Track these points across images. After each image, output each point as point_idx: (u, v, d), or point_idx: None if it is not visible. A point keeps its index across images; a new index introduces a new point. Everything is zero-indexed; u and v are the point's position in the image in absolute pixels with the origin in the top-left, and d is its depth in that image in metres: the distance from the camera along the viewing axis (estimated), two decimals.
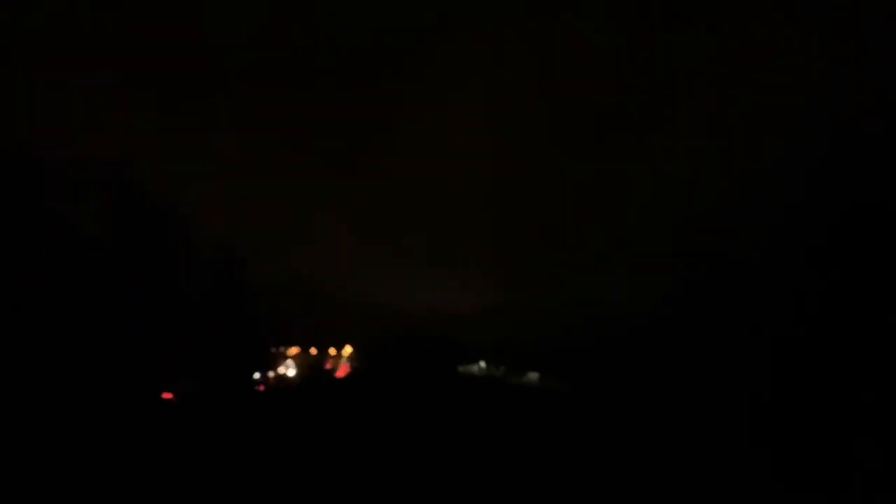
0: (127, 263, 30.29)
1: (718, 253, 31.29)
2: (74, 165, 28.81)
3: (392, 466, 12.65)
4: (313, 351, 68.25)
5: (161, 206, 33.57)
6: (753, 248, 28.95)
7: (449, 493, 10.30)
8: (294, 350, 64.72)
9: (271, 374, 49.02)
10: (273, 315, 47.08)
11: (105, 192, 30.91)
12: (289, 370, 55.91)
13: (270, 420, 22.12)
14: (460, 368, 56.29)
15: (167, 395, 30.92)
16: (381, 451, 14.43)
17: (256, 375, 43.82)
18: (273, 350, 53.16)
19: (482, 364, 58.42)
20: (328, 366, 64.89)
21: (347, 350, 68.82)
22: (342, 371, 60.92)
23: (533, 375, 48.64)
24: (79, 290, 26.96)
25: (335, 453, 14.49)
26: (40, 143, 28.30)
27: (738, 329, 26.75)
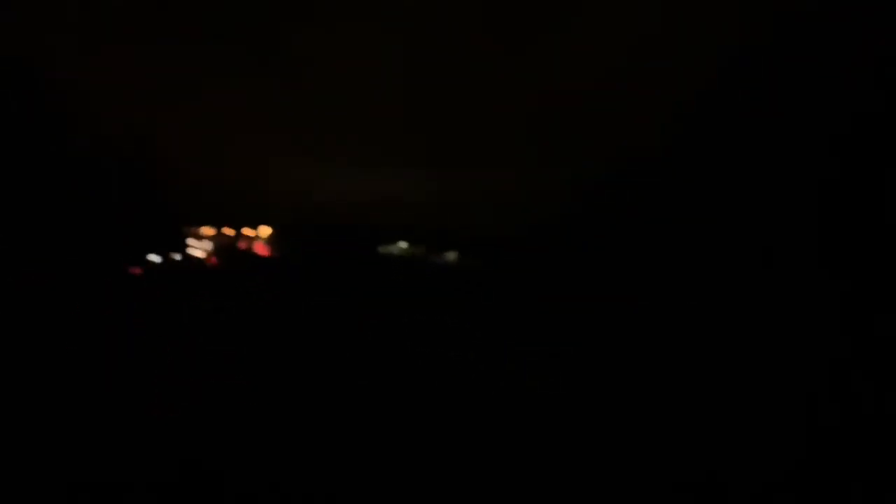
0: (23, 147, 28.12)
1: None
2: None
3: (309, 338, 12.86)
4: (229, 231, 66.70)
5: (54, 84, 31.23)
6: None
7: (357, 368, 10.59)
8: (208, 230, 63.00)
9: (188, 251, 47.95)
10: (185, 195, 45.35)
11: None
12: (203, 250, 54.67)
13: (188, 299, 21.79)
14: (380, 249, 56.85)
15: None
16: (303, 326, 14.59)
17: (176, 255, 42.93)
18: (186, 230, 51.66)
19: (402, 244, 59.13)
20: (243, 246, 63.81)
21: (265, 231, 67.66)
22: (260, 251, 60.13)
23: (451, 255, 49.85)
24: None
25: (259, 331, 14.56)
26: None
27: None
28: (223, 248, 60.92)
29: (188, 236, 51.49)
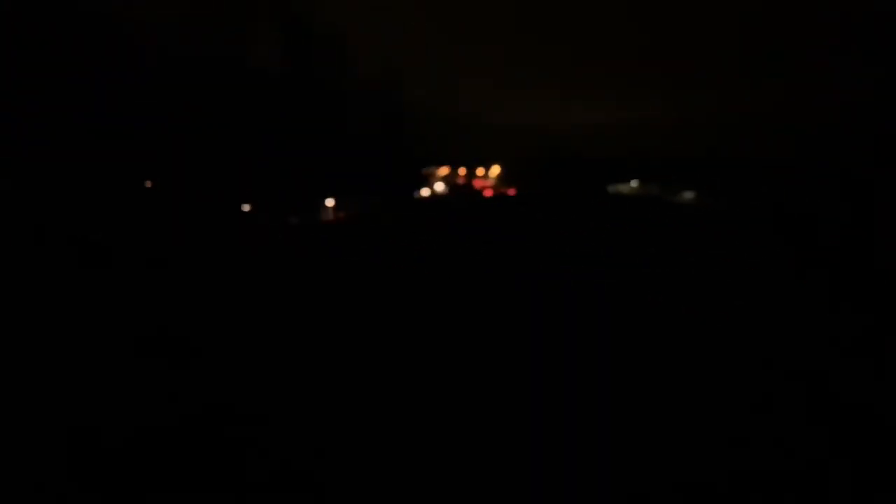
0: (294, 94, 31.54)
1: None
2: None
3: (538, 286, 12.92)
4: (462, 171, 69.56)
5: (326, 34, 34.15)
6: None
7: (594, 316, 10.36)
8: (444, 170, 66.35)
9: (425, 192, 51.02)
10: (423, 136, 47.96)
11: (273, 22, 31.66)
12: (439, 189, 57.74)
13: (427, 235, 23.20)
14: (610, 188, 54.81)
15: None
16: (527, 275, 14.72)
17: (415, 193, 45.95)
18: (424, 170, 54.92)
19: (634, 183, 56.31)
20: (476, 184, 66.13)
21: (495, 170, 69.33)
22: (490, 191, 61.93)
23: (689, 194, 46.33)
24: (250, 122, 28.74)
25: (484, 271, 15.02)
26: None
27: None
28: (458, 185, 63.72)
29: (427, 175, 54.84)
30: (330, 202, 34.10)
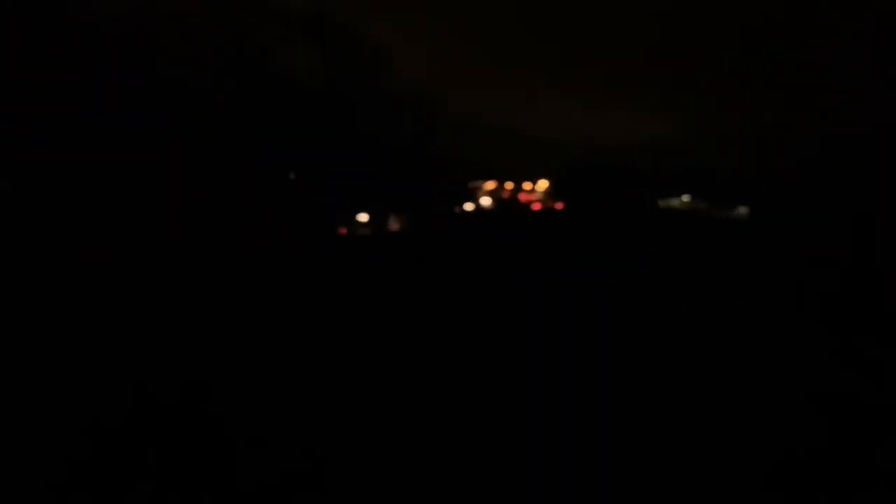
0: (334, 107, 32.02)
1: None
2: (283, 11, 30.07)
3: (581, 298, 12.74)
4: (509, 185, 69.46)
5: (365, 48, 34.60)
6: None
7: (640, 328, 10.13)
8: (490, 184, 66.38)
9: (469, 206, 51.07)
10: (468, 151, 48.13)
11: (312, 36, 32.26)
12: (485, 203, 57.76)
13: (473, 247, 23.22)
14: (660, 202, 53.85)
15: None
16: (571, 287, 14.53)
17: (455, 208, 46.03)
18: (470, 185, 55.02)
19: (685, 198, 55.20)
20: (523, 198, 65.87)
21: (542, 184, 68.98)
22: (538, 205, 61.57)
23: (742, 210, 45.18)
24: (290, 133, 29.31)
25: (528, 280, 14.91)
26: None
27: None
28: (504, 199, 63.58)
29: (473, 189, 54.92)
30: (363, 217, 34.20)
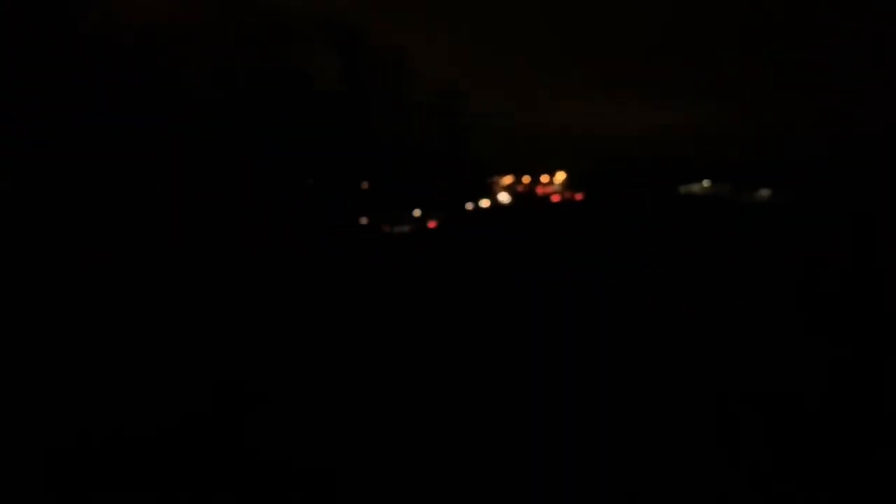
0: (355, 113, 32.17)
1: None
2: (303, 17, 30.25)
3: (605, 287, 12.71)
4: (526, 179, 69.19)
5: (387, 54, 34.62)
6: None
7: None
8: (508, 179, 66.15)
9: (484, 202, 50.99)
10: (486, 146, 48.07)
11: (334, 42, 32.43)
12: (503, 198, 57.62)
13: (492, 244, 23.22)
14: (681, 189, 53.28)
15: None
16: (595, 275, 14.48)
17: (471, 205, 45.99)
18: (488, 180, 54.87)
19: (705, 183, 54.52)
20: (540, 191, 65.57)
21: (560, 176, 68.62)
22: (556, 196, 61.27)
23: (765, 192, 44.47)
24: (312, 141, 29.54)
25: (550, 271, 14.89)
26: None
27: None
28: (522, 193, 63.30)
29: (491, 184, 54.72)
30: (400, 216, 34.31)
